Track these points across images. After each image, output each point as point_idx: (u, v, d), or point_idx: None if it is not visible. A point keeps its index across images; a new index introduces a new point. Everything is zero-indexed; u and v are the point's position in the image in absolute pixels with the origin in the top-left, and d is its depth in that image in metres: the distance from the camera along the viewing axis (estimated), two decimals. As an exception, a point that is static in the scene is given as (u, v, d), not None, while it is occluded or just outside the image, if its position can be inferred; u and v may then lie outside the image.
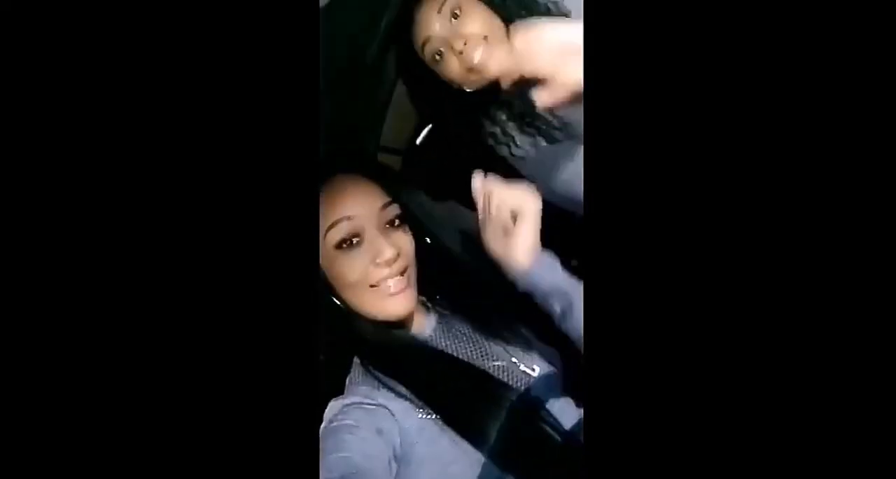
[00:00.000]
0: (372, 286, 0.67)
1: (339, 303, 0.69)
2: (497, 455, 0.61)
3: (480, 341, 0.73)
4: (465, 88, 0.83)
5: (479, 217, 0.69)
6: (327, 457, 0.56)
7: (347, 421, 0.61)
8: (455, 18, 0.79)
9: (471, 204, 0.70)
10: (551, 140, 0.87)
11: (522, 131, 0.87)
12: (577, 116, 0.83)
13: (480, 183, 0.69)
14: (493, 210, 0.67)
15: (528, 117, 0.86)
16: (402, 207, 0.70)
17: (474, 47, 0.77)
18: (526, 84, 0.80)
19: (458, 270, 0.76)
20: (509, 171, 0.88)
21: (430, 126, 1.08)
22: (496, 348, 0.72)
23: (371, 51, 0.94)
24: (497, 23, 0.80)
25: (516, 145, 0.89)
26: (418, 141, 1.07)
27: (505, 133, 0.88)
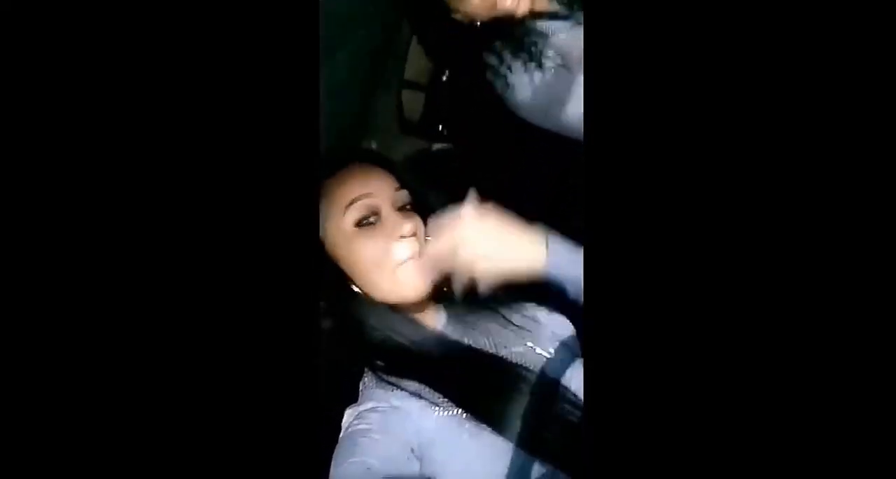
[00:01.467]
0: (395, 265, 0.66)
1: (357, 290, 0.69)
2: (522, 441, 0.61)
3: (493, 330, 0.72)
4: (475, 22, 0.87)
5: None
6: (342, 464, 0.56)
7: (362, 426, 0.61)
8: None
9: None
10: (540, 65, 0.91)
11: (516, 56, 0.91)
12: (570, 44, 0.88)
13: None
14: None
15: (522, 41, 0.90)
16: (411, 194, 0.71)
17: None
18: (531, 14, 0.85)
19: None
20: (504, 108, 0.93)
21: (448, 71, 1.13)
22: (509, 334, 0.72)
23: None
24: None
25: (510, 72, 0.91)
26: (444, 78, 1.12)
27: (501, 61, 0.92)
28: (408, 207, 0.70)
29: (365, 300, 0.68)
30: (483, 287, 0.65)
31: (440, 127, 1.19)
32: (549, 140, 0.96)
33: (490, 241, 0.64)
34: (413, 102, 1.21)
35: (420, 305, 0.70)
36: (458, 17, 0.88)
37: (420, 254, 0.67)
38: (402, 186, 0.71)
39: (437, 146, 1.19)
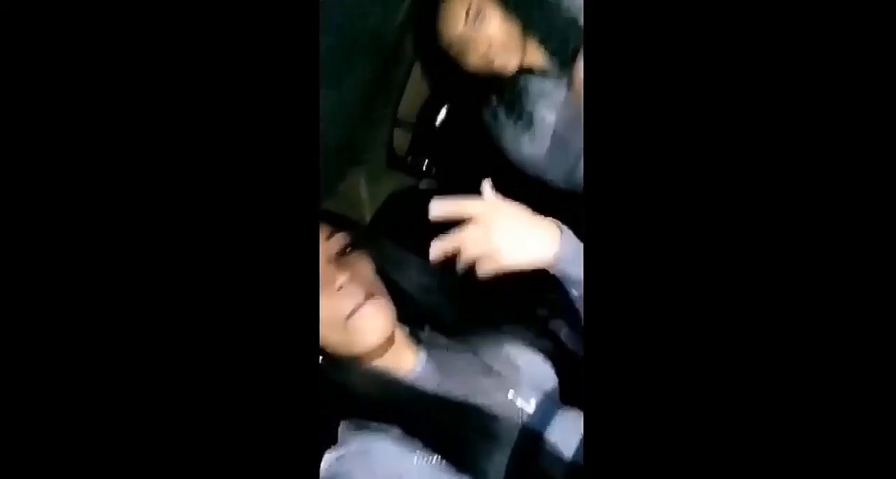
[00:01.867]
0: (348, 318, 0.64)
1: (321, 360, 0.68)
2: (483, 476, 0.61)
3: (472, 376, 0.71)
4: (476, 73, 0.94)
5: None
6: None
7: (344, 470, 0.61)
8: (478, 19, 0.87)
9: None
10: (531, 119, 0.97)
11: (509, 112, 0.98)
12: (560, 104, 0.94)
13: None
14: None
15: (515, 96, 0.96)
16: (350, 235, 0.69)
17: (496, 51, 0.87)
18: (523, 69, 0.90)
19: (439, 299, 0.74)
20: (495, 151, 0.98)
21: (448, 105, 1.17)
22: (489, 382, 0.71)
23: (389, 34, 1.01)
24: (512, 26, 0.89)
25: (503, 123, 0.99)
26: (438, 121, 1.16)
27: (496, 114, 0.98)
28: (347, 249, 0.69)
29: (334, 361, 0.67)
30: (483, 272, 0.62)
31: (428, 164, 1.22)
32: (535, 185, 1.01)
33: (510, 226, 0.62)
34: (403, 139, 1.24)
35: (395, 348, 0.69)
36: (458, 65, 0.93)
37: (368, 295, 0.65)
38: (334, 229, 0.69)
39: (423, 183, 1.22)
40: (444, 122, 1.15)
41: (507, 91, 0.95)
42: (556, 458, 0.66)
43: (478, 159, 1.02)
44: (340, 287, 0.64)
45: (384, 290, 0.68)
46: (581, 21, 0.97)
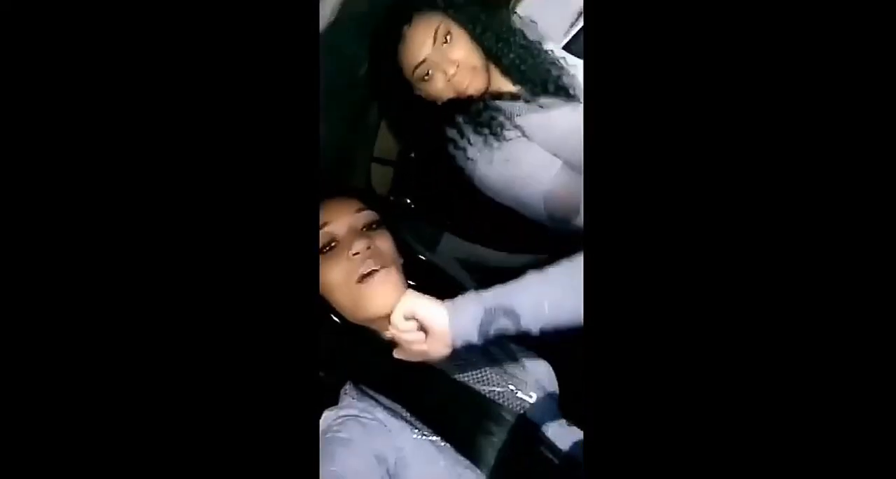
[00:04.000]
0: (358, 282, 0.68)
1: (335, 319, 0.71)
2: (495, 476, 0.62)
3: (478, 366, 0.73)
4: (437, 102, 0.92)
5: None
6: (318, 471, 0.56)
7: (342, 434, 0.61)
8: (445, 43, 0.86)
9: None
10: (500, 138, 0.94)
11: (476, 132, 0.94)
12: (534, 124, 0.91)
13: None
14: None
15: (483, 117, 0.94)
16: (378, 214, 0.74)
17: (463, 74, 0.86)
18: (490, 95, 0.88)
19: (450, 286, 0.75)
20: (465, 179, 0.95)
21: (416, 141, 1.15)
22: (494, 374, 0.73)
23: (363, 68, 1.02)
24: (478, 51, 0.88)
25: (470, 145, 0.95)
26: (412, 154, 1.14)
27: (462, 135, 0.95)
28: (374, 225, 0.74)
29: (342, 326, 0.71)
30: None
31: (408, 202, 1.19)
32: (514, 218, 0.98)
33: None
34: (382, 177, 1.22)
35: None
36: (420, 95, 0.91)
37: (387, 267, 0.69)
38: (366, 206, 0.74)
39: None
40: (416, 156, 1.14)
41: (475, 112, 0.93)
42: (553, 449, 0.67)
43: (452, 192, 0.99)
44: (356, 253, 0.68)
45: (400, 265, 0.72)
46: (555, 50, 0.97)
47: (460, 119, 0.93)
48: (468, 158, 0.94)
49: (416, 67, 0.89)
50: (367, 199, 0.76)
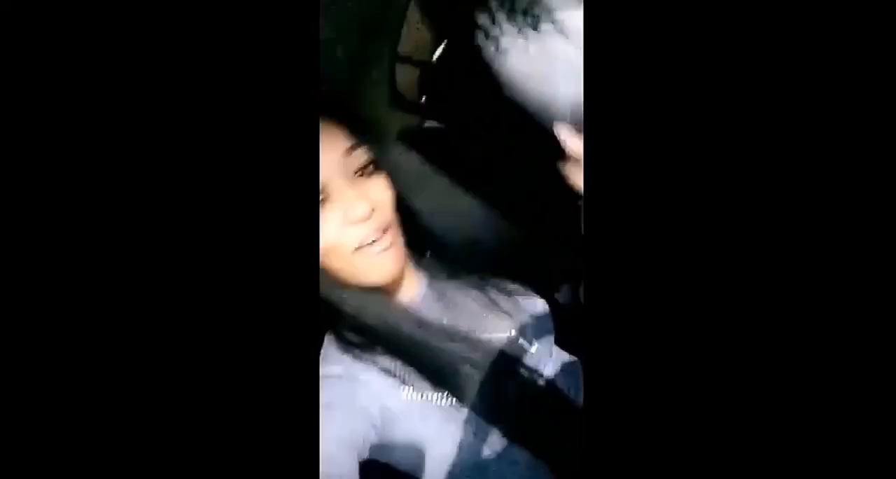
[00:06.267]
0: (356, 250, 0.58)
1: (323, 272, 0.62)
2: (481, 410, 0.59)
3: (476, 311, 0.68)
4: None
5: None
6: None
7: (325, 398, 0.55)
8: None
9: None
10: (536, 29, 0.89)
11: (510, 19, 0.89)
12: (567, 12, 0.86)
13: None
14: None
15: (518, 4, 0.88)
16: (372, 151, 0.60)
17: None
18: None
19: (446, 227, 0.69)
20: (497, 86, 0.92)
21: (446, 41, 1.11)
22: (492, 318, 0.68)
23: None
24: None
25: (503, 34, 0.89)
26: (435, 57, 1.11)
27: (494, 22, 0.90)
28: (370, 168, 0.60)
29: (329, 280, 0.60)
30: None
31: (424, 102, 1.18)
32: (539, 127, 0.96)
33: None
34: (406, 77, 1.20)
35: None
36: None
37: (387, 229, 0.59)
38: (359, 142, 0.59)
39: (428, 123, 1.18)
40: (442, 55, 1.10)
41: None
42: (556, 396, 0.64)
43: (478, 94, 0.97)
44: (356, 221, 0.57)
45: (399, 225, 0.62)
46: None
47: (493, 3, 0.87)
48: (499, 49, 0.89)
49: None
50: (359, 127, 0.61)
